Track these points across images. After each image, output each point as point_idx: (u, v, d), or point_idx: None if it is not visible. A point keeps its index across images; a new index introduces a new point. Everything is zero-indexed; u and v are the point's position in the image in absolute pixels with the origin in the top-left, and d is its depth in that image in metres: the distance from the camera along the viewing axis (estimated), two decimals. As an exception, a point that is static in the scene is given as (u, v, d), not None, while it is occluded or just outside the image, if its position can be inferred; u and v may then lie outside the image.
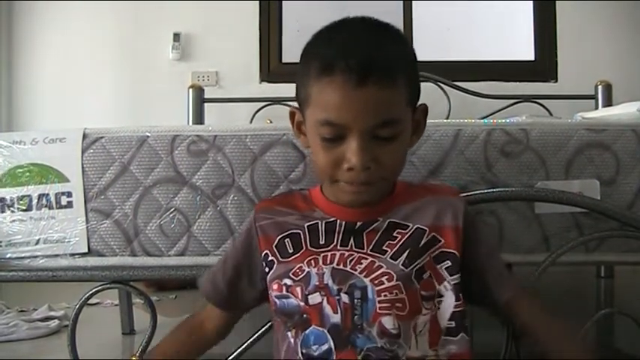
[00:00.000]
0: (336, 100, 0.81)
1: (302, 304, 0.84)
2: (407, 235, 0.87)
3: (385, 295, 0.82)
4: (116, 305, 2.09)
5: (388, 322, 0.81)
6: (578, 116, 1.68)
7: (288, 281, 0.86)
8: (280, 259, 0.88)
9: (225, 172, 1.14)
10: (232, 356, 1.09)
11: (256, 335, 1.08)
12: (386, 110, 0.82)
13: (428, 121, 0.94)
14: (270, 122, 2.97)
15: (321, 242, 0.88)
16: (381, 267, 0.84)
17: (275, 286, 0.87)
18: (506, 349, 1.05)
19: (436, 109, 2.71)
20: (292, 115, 0.93)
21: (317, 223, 0.89)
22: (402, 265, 0.84)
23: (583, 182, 1.12)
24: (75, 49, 3.47)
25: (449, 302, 0.85)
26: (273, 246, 0.89)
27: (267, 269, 0.89)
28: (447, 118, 2.49)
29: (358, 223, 0.88)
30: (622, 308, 1.24)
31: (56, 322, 2.04)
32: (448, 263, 0.86)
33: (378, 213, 0.89)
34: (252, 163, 1.13)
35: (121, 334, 1.98)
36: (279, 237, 0.90)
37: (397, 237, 0.87)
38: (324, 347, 0.81)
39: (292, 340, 0.84)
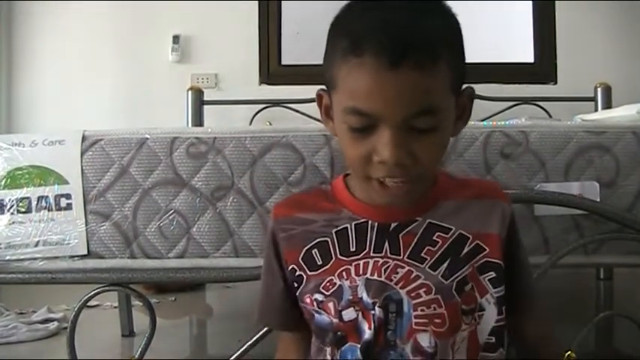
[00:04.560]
0: (366, 85, 0.68)
1: (335, 320, 0.75)
2: (448, 242, 0.77)
3: (422, 310, 0.73)
4: (115, 307, 2.08)
5: (424, 339, 0.73)
6: (577, 118, 1.68)
7: (319, 296, 0.77)
8: (309, 273, 0.78)
9: (225, 174, 1.14)
10: (233, 357, 1.09)
11: (255, 338, 1.08)
12: (424, 97, 0.69)
13: None
14: (270, 124, 2.98)
15: (352, 249, 0.77)
16: (419, 277, 0.74)
17: (307, 300, 0.78)
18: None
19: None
20: (319, 97, 0.80)
21: (346, 227, 0.79)
22: (442, 276, 0.75)
23: (583, 184, 1.12)
24: (74, 51, 3.46)
25: (490, 316, 0.77)
26: (300, 259, 0.79)
27: (295, 284, 0.80)
28: (447, 120, 2.48)
29: (393, 224, 0.77)
30: (621, 310, 1.24)
31: (55, 324, 2.03)
32: (492, 274, 0.77)
33: (417, 211, 0.78)
34: (252, 165, 1.13)
35: (120, 336, 1.97)
36: (306, 248, 0.79)
37: (437, 242, 0.77)
38: None
39: (330, 358, 0.77)
